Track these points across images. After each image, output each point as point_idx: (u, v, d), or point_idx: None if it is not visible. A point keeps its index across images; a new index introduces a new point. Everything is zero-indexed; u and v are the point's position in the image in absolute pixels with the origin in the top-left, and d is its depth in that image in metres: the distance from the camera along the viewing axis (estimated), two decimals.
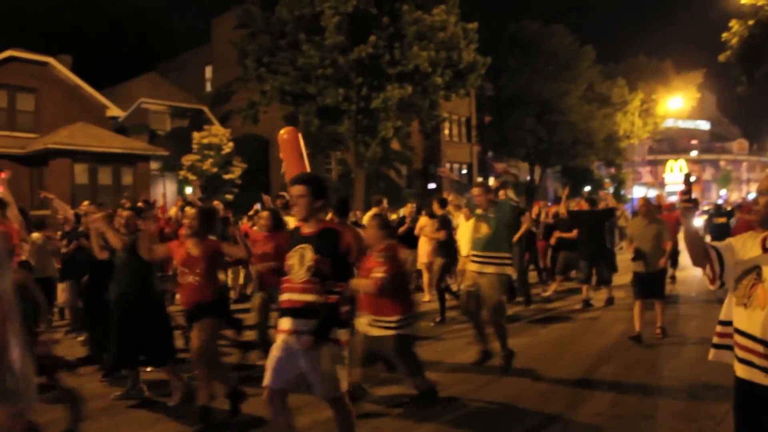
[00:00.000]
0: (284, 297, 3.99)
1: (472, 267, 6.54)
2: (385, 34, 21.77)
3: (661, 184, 62.46)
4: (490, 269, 6.36)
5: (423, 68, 21.90)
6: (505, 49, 39.91)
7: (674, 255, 14.03)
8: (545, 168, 42.49)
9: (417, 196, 30.66)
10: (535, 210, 14.17)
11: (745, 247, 2.90)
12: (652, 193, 55.10)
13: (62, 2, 41.78)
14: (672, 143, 73.83)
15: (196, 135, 25.10)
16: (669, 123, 55.66)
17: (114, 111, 26.32)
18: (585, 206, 11.95)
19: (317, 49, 21.57)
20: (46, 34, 37.49)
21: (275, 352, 3.93)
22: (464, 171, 40.19)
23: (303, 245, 3.94)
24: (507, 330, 6.62)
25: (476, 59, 23.67)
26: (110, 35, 43.05)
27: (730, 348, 2.91)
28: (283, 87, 22.73)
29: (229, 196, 23.78)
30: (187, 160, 24.65)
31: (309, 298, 3.86)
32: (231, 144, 25.36)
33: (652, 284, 8.26)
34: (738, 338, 2.84)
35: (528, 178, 43.58)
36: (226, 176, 24.74)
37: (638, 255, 8.22)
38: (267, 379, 3.89)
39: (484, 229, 6.40)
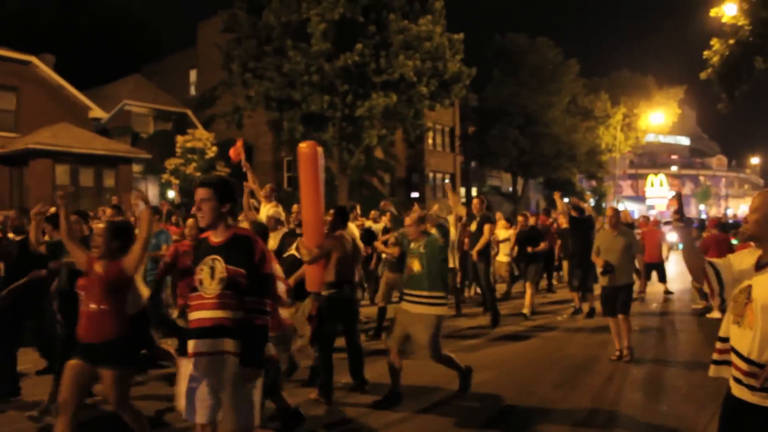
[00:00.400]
0: (194, 316, 3.57)
1: (406, 307, 6.06)
2: (371, 42, 21.83)
3: (641, 198, 63.11)
4: (422, 309, 5.88)
5: (408, 77, 21.98)
6: (490, 60, 40.21)
7: (662, 269, 14.16)
8: (528, 179, 42.77)
9: (400, 204, 30.69)
10: (531, 220, 14.04)
11: (742, 263, 2.94)
12: (630, 207, 55.52)
13: (46, 1, 41.44)
14: (653, 158, 74.66)
15: (179, 138, 24.97)
16: (650, 138, 56.25)
17: (97, 112, 26.08)
18: (573, 214, 11.99)
19: (303, 55, 21.58)
20: (29, 32, 37.14)
21: (189, 381, 3.55)
22: (447, 180, 40.32)
23: (213, 256, 3.53)
24: (452, 357, 6.21)
25: (461, 70, 23.80)
26: (94, 36, 42.74)
27: (729, 363, 2.94)
28: (268, 93, 22.70)
29: None
30: (170, 163, 24.51)
31: (222, 314, 3.46)
32: (215, 148, 25.25)
33: (616, 298, 7.86)
34: (732, 355, 2.89)
35: (510, 189, 43.83)
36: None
37: (608, 268, 7.85)
38: (187, 414, 3.55)
39: (416, 266, 5.98)
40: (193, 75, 36.06)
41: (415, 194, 36.71)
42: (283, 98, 22.77)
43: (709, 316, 11.14)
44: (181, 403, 3.63)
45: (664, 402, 6.20)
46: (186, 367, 3.65)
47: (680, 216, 2.96)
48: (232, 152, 9.11)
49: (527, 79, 38.43)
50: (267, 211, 8.30)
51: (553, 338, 9.56)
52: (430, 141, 38.54)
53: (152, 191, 27.22)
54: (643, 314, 11.66)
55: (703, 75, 21.20)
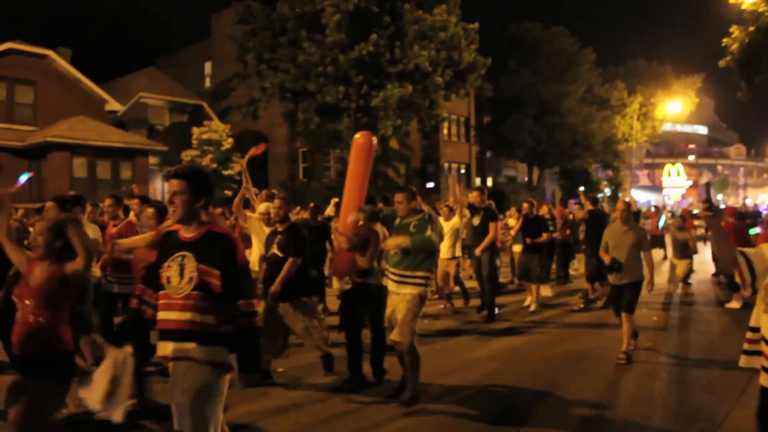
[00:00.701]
0: (161, 316, 3.30)
1: (390, 286, 5.88)
2: (385, 32, 21.78)
3: (658, 188, 62.61)
4: (407, 290, 5.71)
5: (423, 68, 21.92)
6: (505, 50, 39.97)
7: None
8: (543, 169, 42.55)
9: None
10: (544, 210, 13.85)
11: None
12: (647, 197, 55.14)
13: None
14: (670, 147, 73.90)
15: (195, 130, 25.14)
16: (667, 127, 55.72)
17: (113, 105, 26.28)
18: (588, 205, 11.91)
19: (318, 46, 21.59)
20: (46, 26, 37.45)
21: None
22: (462, 171, 40.20)
23: (183, 253, 3.24)
24: (418, 359, 5.89)
25: (476, 59, 23.71)
26: (110, 29, 43.00)
27: (761, 354, 2.90)
28: (283, 84, 22.73)
29: (229, 192, 23.83)
30: (187, 155, 24.69)
31: (189, 317, 3.19)
32: (230, 140, 25.37)
33: (622, 295, 7.43)
34: (762, 344, 2.85)
35: (526, 179, 43.64)
36: (226, 172, 24.75)
37: (615, 265, 7.38)
38: (179, 426, 3.27)
39: (403, 244, 5.71)
40: (208, 67, 36.15)
41: (430, 184, 36.65)
42: (298, 89, 22.80)
43: (728, 306, 11.05)
44: (88, 394, 3.34)
45: (682, 392, 6.16)
46: (113, 357, 3.36)
47: (709, 206, 2.93)
48: (252, 151, 8.77)
49: (543, 69, 38.17)
50: (259, 208, 8.11)
51: (568, 329, 9.50)
52: (446, 131, 38.39)
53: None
54: (662, 304, 11.56)
55: (721, 63, 20.98)
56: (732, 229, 10.95)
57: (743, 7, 19.61)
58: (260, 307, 6.24)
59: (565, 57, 38.52)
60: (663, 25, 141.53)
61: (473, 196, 10.40)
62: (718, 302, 11.71)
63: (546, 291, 12.35)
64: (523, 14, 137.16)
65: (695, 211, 22.68)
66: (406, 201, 5.83)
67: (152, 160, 25.84)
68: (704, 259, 16.18)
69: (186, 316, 3.18)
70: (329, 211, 13.04)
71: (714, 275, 14.05)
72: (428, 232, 5.62)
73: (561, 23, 44.83)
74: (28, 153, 22.83)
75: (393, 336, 5.69)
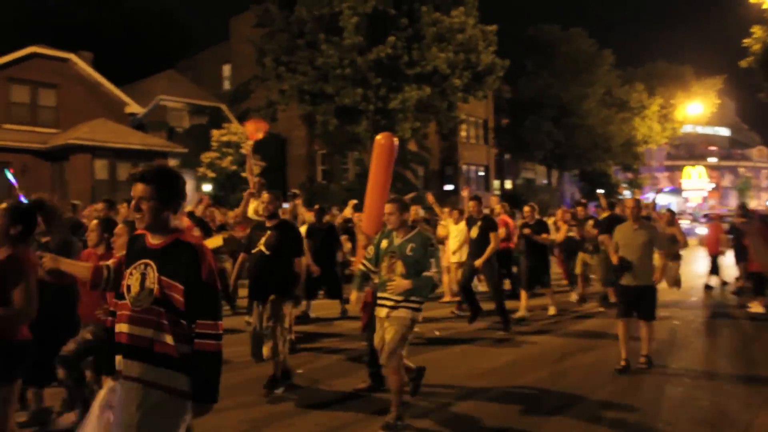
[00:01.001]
0: (117, 328, 2.97)
1: (381, 313, 5.34)
2: (403, 35, 21.82)
3: (676, 189, 61.99)
4: (400, 313, 5.19)
5: (441, 70, 21.94)
6: (523, 51, 39.83)
7: (716, 262, 13.91)
8: (562, 172, 42.30)
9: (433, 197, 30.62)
10: (558, 215, 13.71)
11: None
12: (668, 200, 54.63)
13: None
14: (690, 149, 73.12)
15: (215, 133, 25.34)
16: (688, 129, 55.13)
17: (133, 108, 26.52)
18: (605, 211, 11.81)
19: (336, 49, 21.67)
20: (68, 30, 37.86)
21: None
22: (481, 173, 40.10)
23: (146, 260, 2.94)
24: (403, 382, 5.52)
25: (495, 61, 23.68)
26: (130, 33, 43.42)
27: None
28: (301, 86, 22.86)
29: None
30: (206, 157, 24.89)
31: (142, 332, 2.86)
32: (250, 142, 25.53)
33: (637, 300, 6.99)
34: None
35: (545, 181, 43.41)
36: (245, 174, 24.94)
37: (624, 265, 6.98)
38: None
39: (399, 268, 5.19)
40: (226, 70, 36.42)
41: (449, 187, 36.62)
42: (316, 92, 22.91)
43: (750, 310, 10.91)
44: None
45: (704, 397, 6.09)
46: (108, 388, 3.16)
47: (743, 212, 2.91)
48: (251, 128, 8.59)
49: (561, 71, 37.96)
50: (256, 206, 8.03)
51: (586, 333, 9.41)
52: (464, 133, 38.38)
53: (188, 185, 27.63)
54: (684, 307, 11.44)
55: (743, 63, 20.85)
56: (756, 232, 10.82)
57: (764, 6, 19.45)
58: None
59: (584, 58, 38.29)
60: (683, 26, 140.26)
61: (471, 206, 9.70)
62: (740, 306, 11.57)
63: (569, 295, 12.33)
64: (541, 16, 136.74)
65: (726, 217, 22.41)
66: (398, 212, 5.26)
67: (172, 162, 26.01)
68: (728, 264, 16.00)
69: (140, 331, 2.86)
70: (347, 212, 13.08)
71: (737, 279, 13.89)
72: (433, 270, 5.14)
73: (579, 25, 44.62)
74: (50, 155, 23.10)
75: (381, 360, 5.35)
